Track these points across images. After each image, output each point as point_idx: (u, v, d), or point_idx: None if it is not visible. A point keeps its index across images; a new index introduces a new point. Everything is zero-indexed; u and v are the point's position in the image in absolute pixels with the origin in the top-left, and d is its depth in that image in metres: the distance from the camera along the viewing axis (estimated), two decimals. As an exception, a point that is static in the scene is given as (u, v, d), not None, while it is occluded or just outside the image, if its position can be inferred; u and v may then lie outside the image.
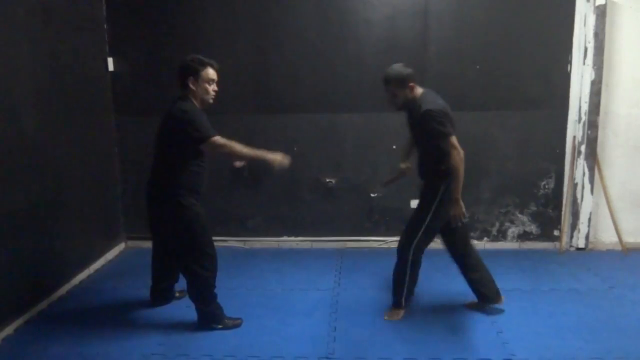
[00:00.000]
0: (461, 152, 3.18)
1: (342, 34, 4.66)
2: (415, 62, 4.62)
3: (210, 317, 3.40)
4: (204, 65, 3.19)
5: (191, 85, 3.19)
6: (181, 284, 3.63)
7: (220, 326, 3.38)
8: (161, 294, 3.77)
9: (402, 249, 3.47)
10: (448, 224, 3.36)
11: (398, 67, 3.27)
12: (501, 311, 3.59)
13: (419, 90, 3.30)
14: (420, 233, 3.39)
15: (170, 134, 3.18)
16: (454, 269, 4.36)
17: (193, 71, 3.17)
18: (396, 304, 3.56)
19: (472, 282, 3.58)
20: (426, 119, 3.15)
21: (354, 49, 4.66)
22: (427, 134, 3.21)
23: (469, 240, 3.62)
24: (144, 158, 4.93)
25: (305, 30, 4.68)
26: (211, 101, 3.28)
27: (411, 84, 3.23)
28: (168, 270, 3.70)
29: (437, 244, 4.90)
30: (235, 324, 3.43)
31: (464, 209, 3.25)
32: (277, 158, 3.26)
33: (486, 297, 3.57)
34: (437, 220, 3.37)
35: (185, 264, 3.34)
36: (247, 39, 4.71)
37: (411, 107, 3.29)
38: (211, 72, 3.22)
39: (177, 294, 3.85)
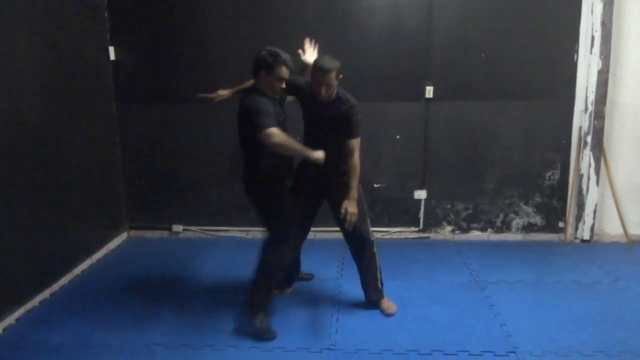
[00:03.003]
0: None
1: (344, 23, 4.60)
2: (419, 50, 4.59)
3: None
4: (280, 63, 3.07)
5: (261, 78, 3.12)
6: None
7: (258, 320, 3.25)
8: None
9: (365, 246, 3.47)
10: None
11: (331, 58, 3.16)
12: (505, 303, 3.57)
13: None
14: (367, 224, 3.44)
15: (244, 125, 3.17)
16: (457, 260, 4.37)
17: (267, 66, 3.08)
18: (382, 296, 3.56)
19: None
20: (352, 113, 3.16)
21: (357, 37, 4.60)
22: (347, 129, 3.17)
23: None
24: (145, 147, 4.95)
25: (307, 19, 4.62)
26: (276, 97, 3.21)
27: (341, 76, 3.15)
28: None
29: (442, 235, 4.90)
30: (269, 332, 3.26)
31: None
32: (318, 155, 3.06)
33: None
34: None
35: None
36: (249, 28, 4.66)
37: (332, 100, 3.19)
38: (284, 72, 3.10)
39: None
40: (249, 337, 3.17)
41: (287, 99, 3.47)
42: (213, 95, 3.59)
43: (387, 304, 3.53)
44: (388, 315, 3.46)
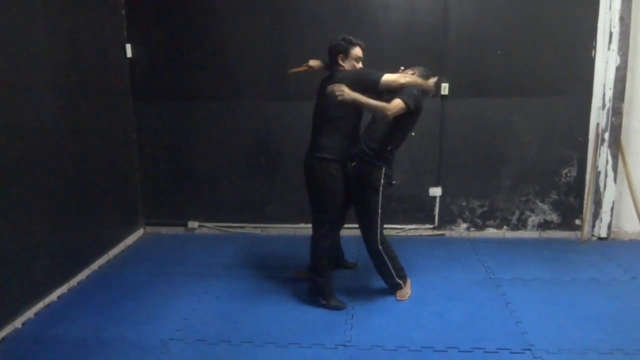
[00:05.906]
0: None
1: (360, 20, 4.59)
2: (434, 47, 4.57)
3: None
4: (353, 44, 3.45)
5: (340, 62, 3.45)
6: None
7: (324, 302, 3.52)
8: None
9: (369, 244, 3.57)
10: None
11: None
12: (521, 301, 3.55)
13: None
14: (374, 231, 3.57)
15: None
16: (472, 258, 4.35)
17: (343, 49, 3.43)
18: (398, 286, 3.65)
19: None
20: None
21: (372, 34, 4.57)
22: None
23: None
24: (162, 144, 4.98)
25: (322, 16, 4.63)
26: None
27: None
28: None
29: (458, 232, 4.88)
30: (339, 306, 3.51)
31: None
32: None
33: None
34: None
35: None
36: (264, 25, 4.67)
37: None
38: (358, 51, 3.47)
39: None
40: (267, 331, 3.20)
41: None
42: (304, 67, 3.78)
43: (401, 292, 3.64)
44: (399, 300, 3.60)
